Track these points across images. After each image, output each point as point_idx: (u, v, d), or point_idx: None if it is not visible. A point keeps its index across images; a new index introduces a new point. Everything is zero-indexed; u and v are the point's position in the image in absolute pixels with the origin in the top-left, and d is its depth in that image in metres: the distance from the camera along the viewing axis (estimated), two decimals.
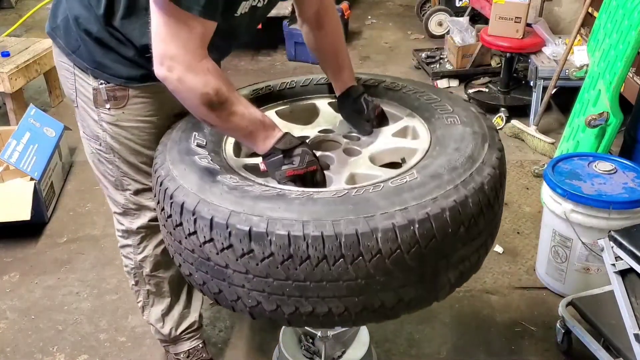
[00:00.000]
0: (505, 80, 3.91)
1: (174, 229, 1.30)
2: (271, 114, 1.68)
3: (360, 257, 1.15)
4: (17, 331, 2.32)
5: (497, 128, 3.69)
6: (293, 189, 1.29)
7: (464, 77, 4.25)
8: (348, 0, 5.22)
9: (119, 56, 1.54)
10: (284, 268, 1.17)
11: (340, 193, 1.23)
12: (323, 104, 1.74)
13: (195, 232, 1.24)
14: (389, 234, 1.15)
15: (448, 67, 4.35)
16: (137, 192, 1.73)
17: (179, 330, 1.99)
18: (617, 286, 1.73)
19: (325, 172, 1.43)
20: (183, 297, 1.97)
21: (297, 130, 1.61)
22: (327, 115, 1.72)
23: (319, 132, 1.63)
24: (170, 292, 1.92)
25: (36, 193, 2.78)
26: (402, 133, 1.60)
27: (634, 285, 1.71)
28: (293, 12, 1.72)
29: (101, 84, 1.57)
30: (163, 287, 1.91)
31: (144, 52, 1.51)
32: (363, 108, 1.62)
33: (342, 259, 1.15)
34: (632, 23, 2.60)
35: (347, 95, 1.66)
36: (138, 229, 1.79)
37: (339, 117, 1.69)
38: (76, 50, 1.57)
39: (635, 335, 1.69)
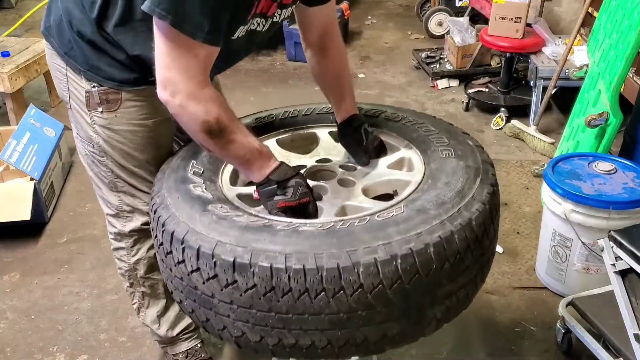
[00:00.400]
0: (505, 80, 3.91)
1: (165, 256, 1.33)
2: (272, 142, 1.70)
3: (342, 291, 1.16)
4: (17, 331, 2.32)
5: (498, 128, 3.71)
6: (281, 220, 1.30)
7: (464, 77, 4.25)
8: (348, 0, 5.22)
9: (112, 59, 1.53)
10: (266, 300, 1.19)
11: (326, 226, 1.24)
12: (323, 133, 1.76)
13: (183, 261, 1.27)
14: (370, 269, 1.15)
15: (448, 67, 4.35)
16: (131, 195, 1.72)
17: (176, 332, 1.99)
18: (617, 286, 1.73)
19: (317, 202, 1.44)
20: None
21: (295, 159, 1.63)
22: (327, 144, 1.73)
23: (317, 161, 1.63)
24: (165, 293, 1.91)
25: (36, 193, 2.78)
26: (398, 164, 1.61)
27: (634, 285, 1.71)
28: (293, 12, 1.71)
29: (94, 86, 1.56)
30: (158, 289, 1.90)
31: (136, 60, 1.51)
32: (362, 139, 1.62)
33: (323, 293, 1.16)
34: (632, 23, 2.60)
35: (347, 124, 1.65)
36: (130, 232, 1.78)
37: (338, 146, 1.70)
38: (69, 51, 1.55)
39: (635, 335, 1.69)
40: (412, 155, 1.58)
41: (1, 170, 3.01)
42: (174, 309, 1.96)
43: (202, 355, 2.05)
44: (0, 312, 2.41)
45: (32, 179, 2.84)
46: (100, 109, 1.58)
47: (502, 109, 3.78)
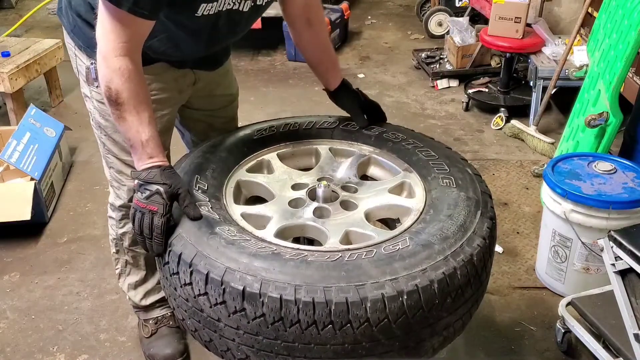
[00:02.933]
0: (505, 80, 3.91)
1: (171, 276, 1.33)
2: (273, 155, 1.71)
3: (349, 325, 1.18)
4: (17, 331, 2.32)
5: (497, 128, 3.71)
6: (288, 249, 1.30)
7: (464, 77, 4.26)
8: (348, 0, 5.22)
9: None
10: (273, 328, 1.20)
11: (334, 257, 1.25)
12: (324, 149, 1.76)
13: (190, 284, 1.27)
14: (378, 304, 1.18)
15: (448, 67, 4.35)
16: (118, 172, 1.79)
17: (149, 301, 2.08)
18: (617, 286, 1.73)
19: (321, 227, 1.44)
20: (159, 273, 2.00)
21: (297, 177, 1.64)
22: (327, 161, 1.73)
23: (318, 179, 1.64)
24: (145, 266, 2.02)
25: (36, 193, 2.78)
26: (399, 189, 1.62)
27: (633, 285, 1.71)
28: None
29: (92, 63, 1.62)
30: (139, 261, 2.00)
31: None
32: (359, 96, 1.78)
33: (330, 325, 1.18)
34: (631, 23, 2.60)
35: (342, 87, 1.78)
36: (119, 207, 1.86)
37: (338, 164, 1.71)
38: (73, 29, 1.64)
39: (635, 335, 1.70)
40: (413, 179, 1.60)
41: (1, 170, 3.01)
42: (152, 281, 2.05)
43: (171, 323, 2.13)
44: (0, 312, 2.41)
45: (32, 179, 2.84)
46: (96, 84, 1.64)
47: (502, 109, 3.79)
